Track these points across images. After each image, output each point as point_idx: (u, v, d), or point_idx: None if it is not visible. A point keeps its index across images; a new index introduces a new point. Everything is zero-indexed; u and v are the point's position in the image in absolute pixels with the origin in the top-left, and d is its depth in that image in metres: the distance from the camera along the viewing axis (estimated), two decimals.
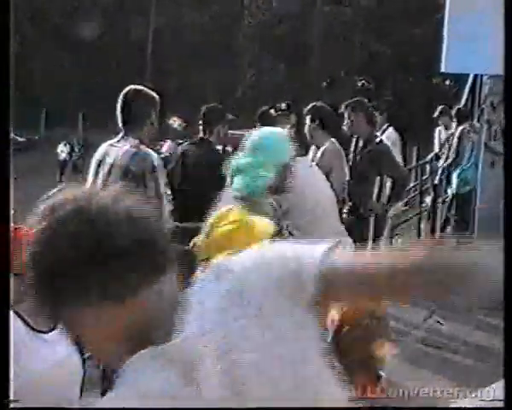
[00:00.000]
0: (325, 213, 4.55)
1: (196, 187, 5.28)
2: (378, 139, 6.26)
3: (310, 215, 4.44)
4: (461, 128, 9.09)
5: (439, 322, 6.04)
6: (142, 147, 4.31)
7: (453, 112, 9.70)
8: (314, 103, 5.98)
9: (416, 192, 10.34)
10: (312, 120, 5.69)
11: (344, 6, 34.12)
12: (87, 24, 33.99)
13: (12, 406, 1.55)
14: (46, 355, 2.57)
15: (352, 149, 6.18)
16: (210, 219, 2.62)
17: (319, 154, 5.60)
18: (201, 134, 5.65)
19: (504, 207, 1.54)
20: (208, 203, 5.21)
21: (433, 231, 8.76)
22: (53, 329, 2.62)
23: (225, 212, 2.61)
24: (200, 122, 5.67)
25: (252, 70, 35.45)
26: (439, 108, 10.82)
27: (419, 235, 8.95)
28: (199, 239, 2.61)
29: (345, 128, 6.22)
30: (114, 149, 4.37)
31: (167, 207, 4.33)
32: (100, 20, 34.07)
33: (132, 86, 4.53)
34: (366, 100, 6.81)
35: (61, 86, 34.27)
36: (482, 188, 7.63)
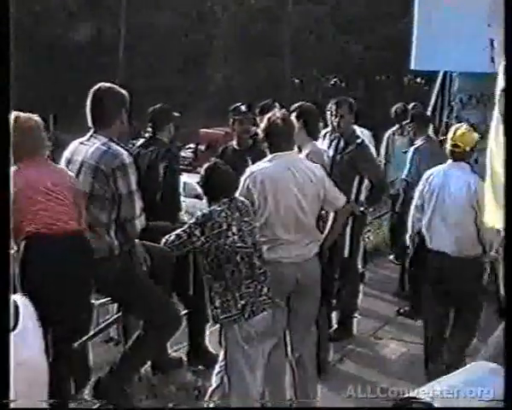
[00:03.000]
0: (292, 210, 4.52)
1: (152, 186, 5.26)
2: (360, 140, 6.17)
3: (271, 212, 4.43)
4: (390, 130, 8.55)
5: None
6: (113, 145, 4.28)
7: (392, 111, 8.68)
8: (301, 103, 5.75)
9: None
10: (297, 120, 5.38)
11: (316, 4, 34.14)
12: (57, 25, 33.67)
13: (12, 406, 1.53)
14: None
15: (333, 148, 6.12)
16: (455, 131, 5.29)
17: (302, 156, 5.33)
18: (150, 134, 5.62)
19: (505, 206, 1.55)
20: (164, 200, 5.22)
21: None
22: (13, 329, 2.57)
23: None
24: (149, 123, 5.62)
25: (224, 69, 35.37)
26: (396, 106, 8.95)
27: (391, 231, 8.92)
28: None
29: (331, 126, 6.17)
30: (84, 147, 4.33)
31: (138, 204, 4.31)
32: (70, 21, 33.74)
33: (102, 84, 4.47)
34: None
35: (32, 86, 33.93)
36: None
